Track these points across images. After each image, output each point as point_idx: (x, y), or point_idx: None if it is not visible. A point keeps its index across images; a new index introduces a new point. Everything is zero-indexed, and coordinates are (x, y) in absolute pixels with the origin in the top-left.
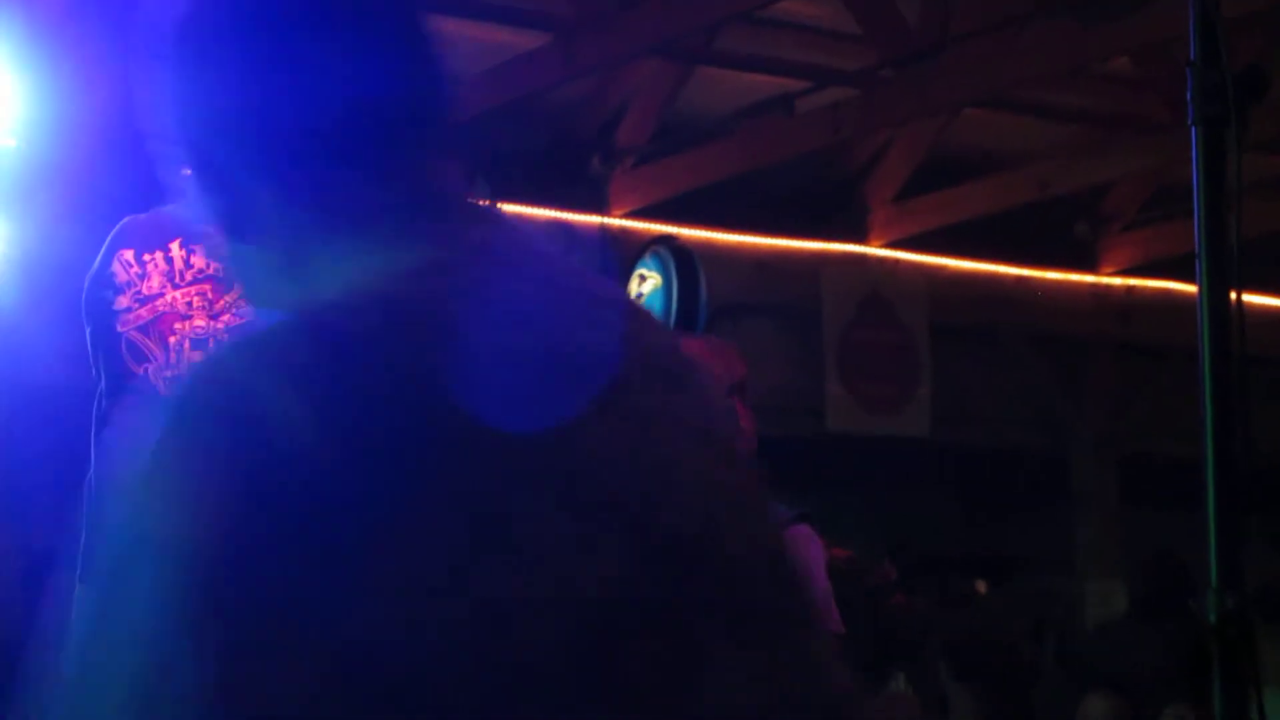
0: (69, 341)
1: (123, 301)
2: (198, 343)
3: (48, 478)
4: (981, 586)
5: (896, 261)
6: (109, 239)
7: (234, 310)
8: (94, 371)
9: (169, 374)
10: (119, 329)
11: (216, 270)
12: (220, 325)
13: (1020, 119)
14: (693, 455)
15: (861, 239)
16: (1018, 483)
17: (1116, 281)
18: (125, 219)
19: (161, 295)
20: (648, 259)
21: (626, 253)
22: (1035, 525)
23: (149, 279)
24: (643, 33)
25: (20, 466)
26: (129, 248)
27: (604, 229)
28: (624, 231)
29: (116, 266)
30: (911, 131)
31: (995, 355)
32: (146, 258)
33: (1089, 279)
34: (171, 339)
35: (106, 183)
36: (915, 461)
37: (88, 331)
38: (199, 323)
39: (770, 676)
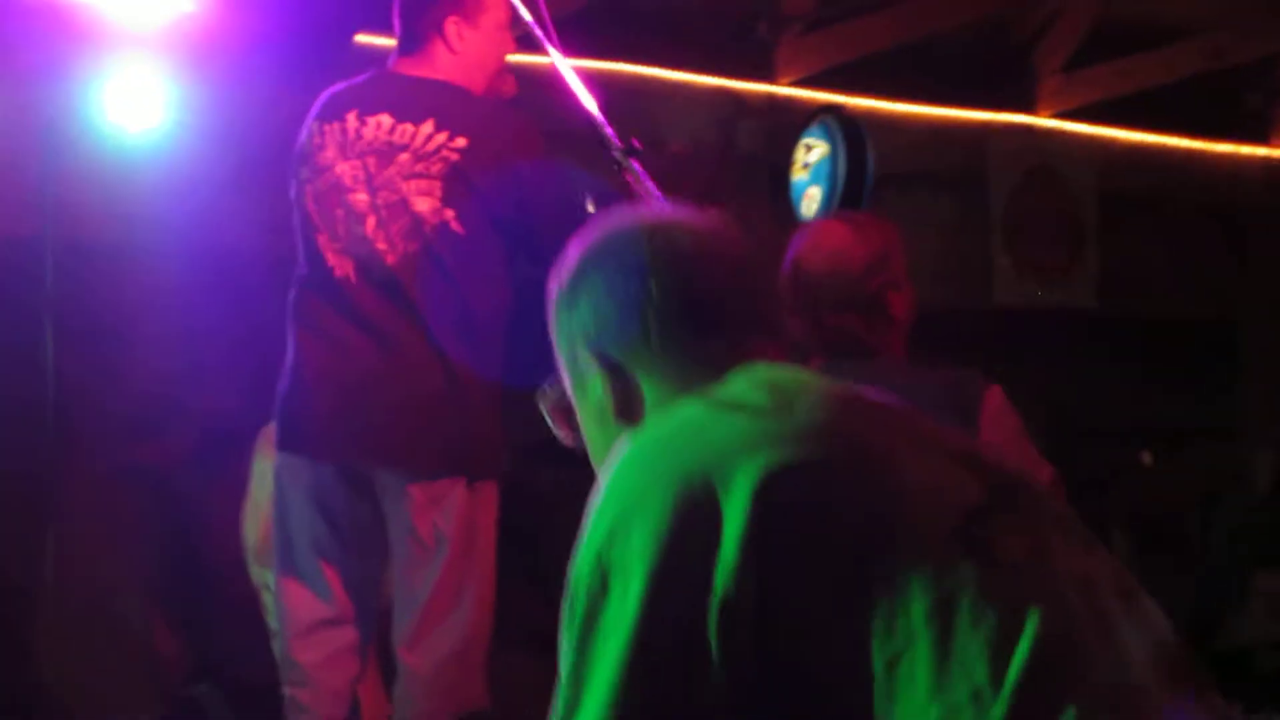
0: (238, 207)
1: (305, 172)
2: (357, 217)
3: (227, 340)
4: (1147, 458)
5: (1064, 132)
6: (310, 114)
7: (391, 186)
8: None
9: (336, 246)
10: (299, 196)
11: (383, 144)
12: (379, 200)
13: None
14: None
15: (1029, 109)
16: (1187, 353)
17: None
18: (331, 90)
19: (332, 166)
20: (815, 128)
21: (794, 121)
22: (1205, 396)
23: (325, 149)
24: None
25: (202, 329)
26: (317, 119)
27: (771, 97)
28: (791, 100)
29: (305, 137)
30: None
31: (1164, 226)
32: (327, 128)
33: (1261, 151)
34: (339, 211)
35: (280, 50)
36: (1083, 332)
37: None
38: (360, 196)
39: None
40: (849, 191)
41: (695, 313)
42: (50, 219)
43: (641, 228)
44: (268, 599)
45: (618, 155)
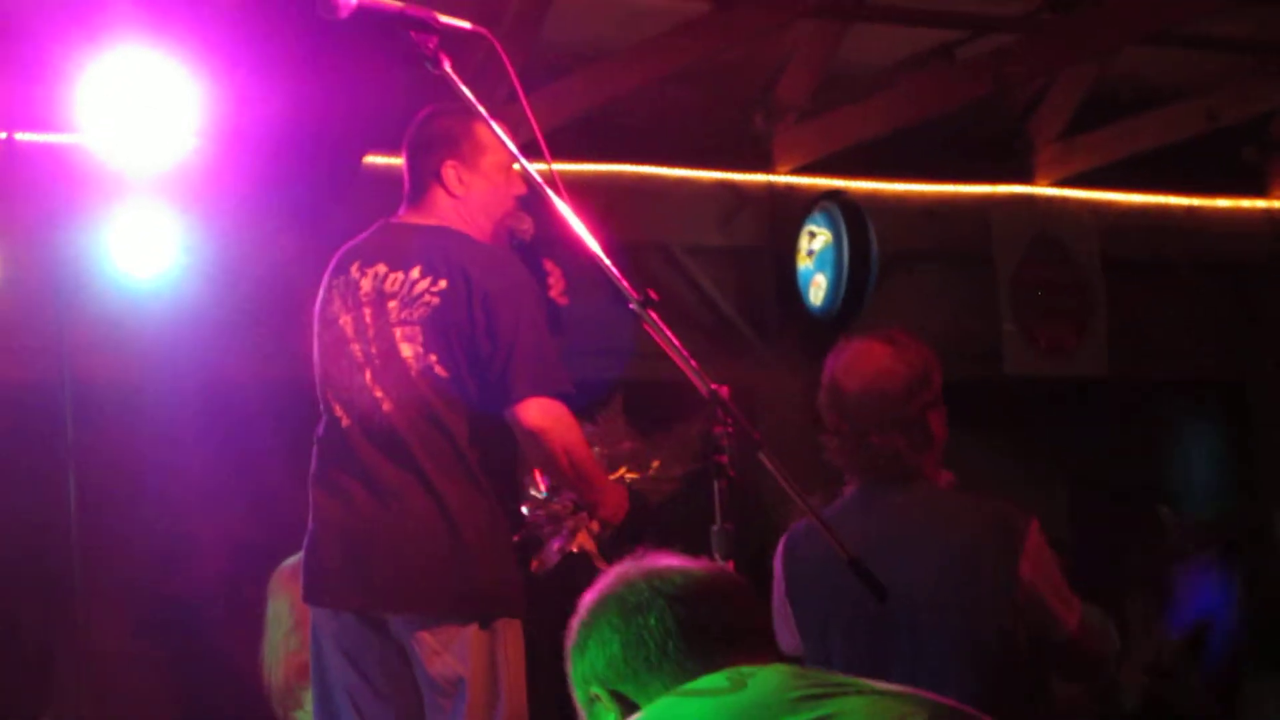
0: (244, 342)
1: (319, 328)
2: (357, 368)
3: (232, 470)
4: (1165, 511)
5: (1065, 199)
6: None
7: (383, 335)
8: None
9: (342, 398)
10: (318, 354)
11: (376, 293)
12: (374, 350)
13: (1185, 51)
14: None
15: (1028, 179)
16: (1198, 413)
17: None
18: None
19: (338, 319)
20: (816, 215)
21: (794, 209)
22: (1218, 455)
23: (333, 303)
24: None
25: (211, 461)
26: (330, 274)
27: (770, 186)
28: (790, 188)
29: (321, 291)
30: (1075, 69)
31: (1169, 286)
32: (335, 282)
33: (1260, 204)
34: (343, 363)
35: (282, 187)
36: (1093, 398)
37: None
38: (357, 347)
39: None
40: (855, 276)
41: (688, 641)
42: (66, 363)
43: (642, 574)
44: None
45: (635, 308)
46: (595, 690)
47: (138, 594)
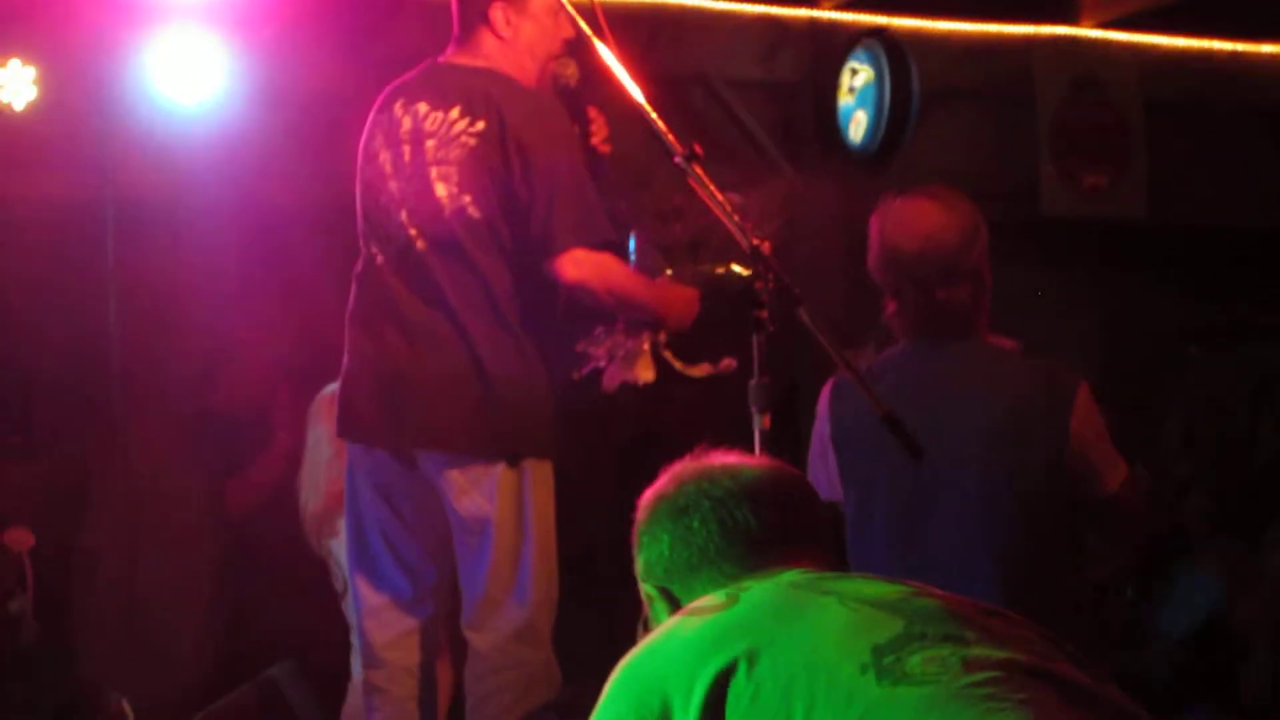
0: (285, 165)
1: (361, 162)
2: (397, 204)
3: (276, 293)
4: (1194, 350)
5: (1108, 41)
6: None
7: (419, 173)
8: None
9: (378, 234)
10: (357, 188)
11: (415, 131)
12: (410, 189)
13: None
14: None
15: (1073, 20)
16: (1237, 259)
17: None
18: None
19: (378, 156)
20: (859, 52)
21: (837, 45)
22: (1258, 302)
23: (375, 139)
24: None
25: (253, 283)
26: (375, 110)
27: (813, 22)
28: (833, 24)
29: (367, 128)
30: None
31: (1211, 131)
32: (379, 118)
33: None
34: (381, 199)
35: (328, 14)
36: (1133, 242)
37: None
38: (394, 184)
39: None
40: (895, 114)
41: (728, 542)
42: (109, 182)
43: (693, 475)
44: (335, 569)
45: (680, 162)
46: (648, 589)
47: (175, 413)
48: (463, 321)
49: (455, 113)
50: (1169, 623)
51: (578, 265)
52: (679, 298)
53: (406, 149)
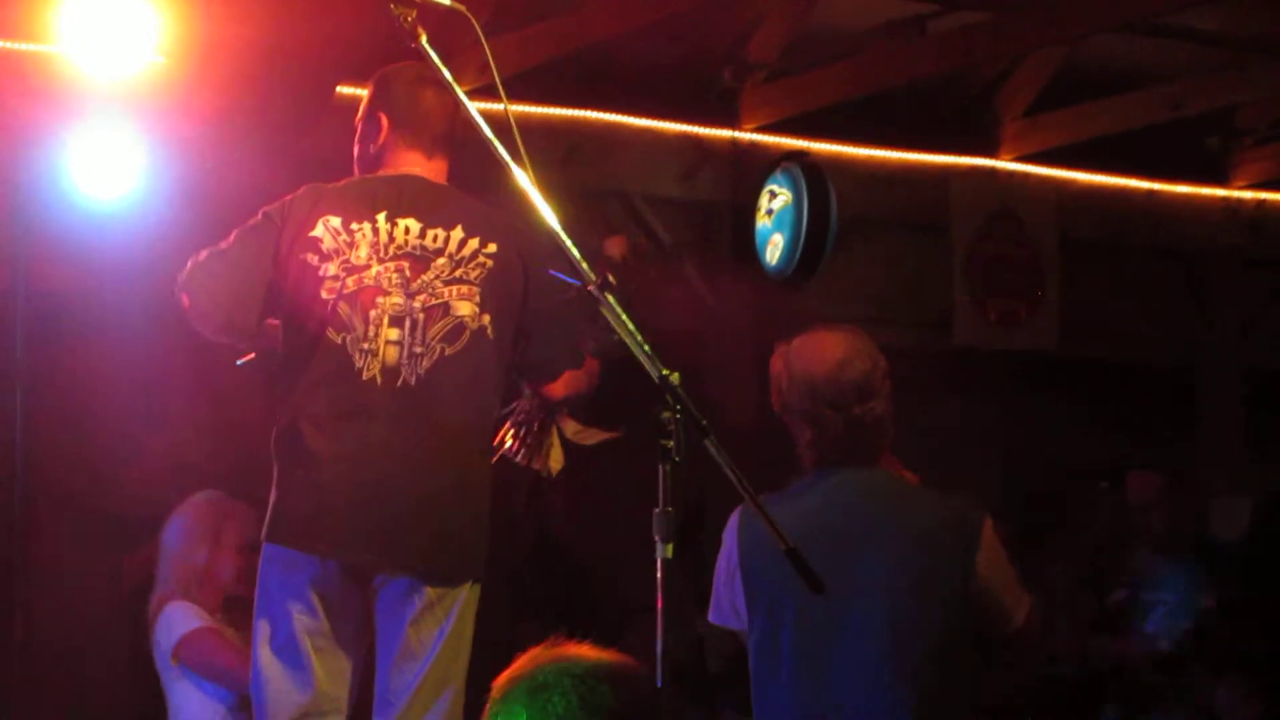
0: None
1: (329, 268)
2: (395, 320)
3: (185, 388)
4: (1105, 485)
5: (1026, 175)
6: (305, 201)
7: (429, 290)
8: (278, 319)
9: (365, 346)
10: (324, 295)
11: (415, 247)
12: (415, 304)
13: (1153, 39)
14: None
15: (992, 153)
16: (1145, 396)
17: (1247, 195)
18: (314, 185)
19: (367, 267)
20: (778, 175)
21: (757, 167)
22: (1163, 439)
23: (356, 248)
24: None
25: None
26: (335, 214)
27: (734, 143)
28: (754, 145)
29: (323, 231)
30: (1044, 50)
31: (1124, 268)
32: (354, 227)
33: (1220, 193)
34: (372, 312)
35: (252, 111)
36: (1042, 373)
37: (284, 288)
38: (396, 299)
39: None
40: (812, 238)
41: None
42: (22, 272)
43: (550, 658)
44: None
45: (594, 291)
46: None
47: (79, 508)
48: (461, 444)
49: (459, 232)
50: None
51: (565, 384)
52: (589, 371)
53: (406, 264)
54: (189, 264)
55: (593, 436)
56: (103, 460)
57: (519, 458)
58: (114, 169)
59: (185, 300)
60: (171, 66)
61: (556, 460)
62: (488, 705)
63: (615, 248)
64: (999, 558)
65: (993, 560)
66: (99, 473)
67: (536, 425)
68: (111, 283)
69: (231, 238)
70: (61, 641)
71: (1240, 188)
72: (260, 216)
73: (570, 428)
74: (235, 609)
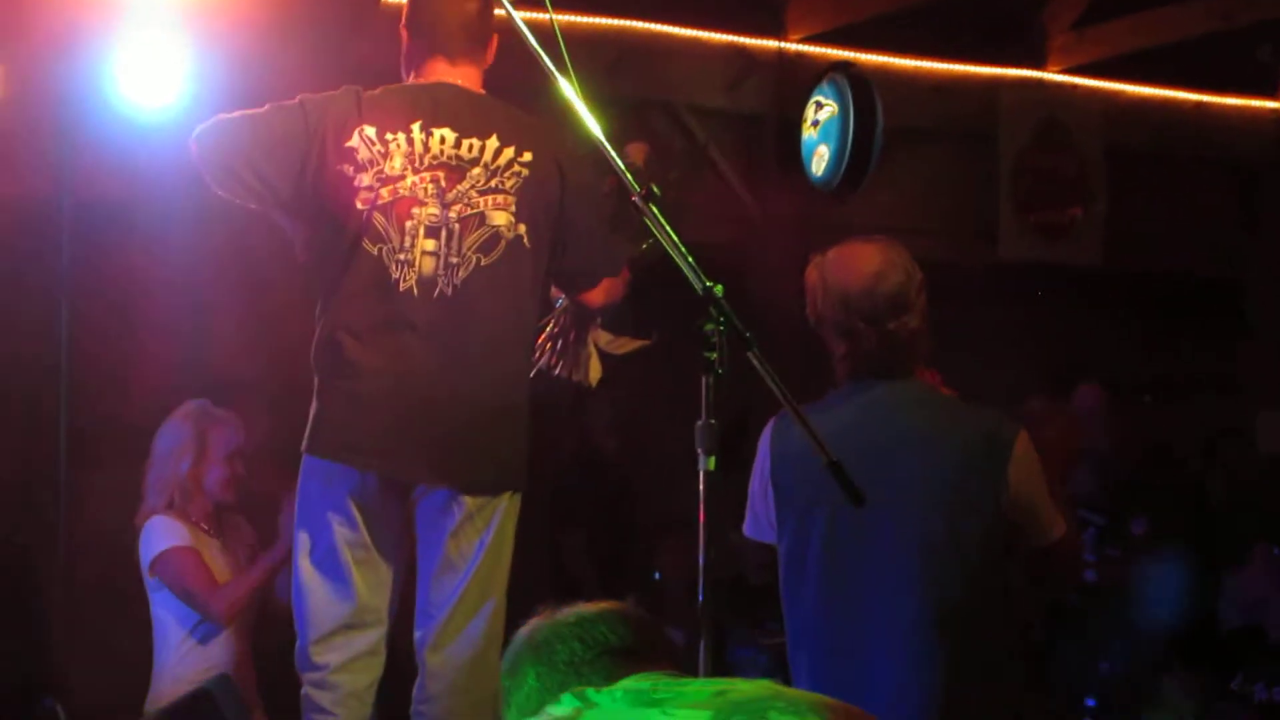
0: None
1: (364, 179)
2: (430, 230)
3: (230, 296)
4: (1148, 400)
5: (1074, 86)
6: (344, 103)
7: (465, 200)
8: (302, 230)
9: (401, 257)
10: (359, 205)
11: (450, 157)
12: (451, 214)
13: None
14: None
15: (1039, 64)
16: (1192, 308)
17: None
18: (351, 89)
19: (402, 178)
20: (825, 86)
21: (803, 78)
22: (1209, 351)
23: (391, 159)
24: None
25: (208, 286)
26: (370, 124)
27: (781, 53)
28: (800, 56)
29: (358, 141)
30: None
31: (1171, 181)
32: (389, 137)
33: (1270, 105)
34: (408, 223)
35: (301, 15)
36: (1089, 286)
37: (317, 196)
38: (432, 210)
39: None
40: (858, 150)
41: (591, 658)
42: (66, 181)
43: (545, 619)
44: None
45: (638, 201)
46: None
47: (124, 427)
48: (500, 355)
49: (495, 140)
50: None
51: (604, 292)
52: (624, 279)
53: (441, 174)
54: (212, 119)
55: (625, 345)
56: (147, 378)
57: (557, 370)
58: (159, 77)
59: (194, 148)
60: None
61: (595, 370)
62: (502, 690)
63: (636, 154)
64: (1034, 471)
65: (1028, 473)
66: (143, 391)
67: (572, 336)
68: (157, 193)
69: (264, 108)
70: (103, 563)
71: None
72: (297, 102)
73: (603, 338)
74: (225, 516)
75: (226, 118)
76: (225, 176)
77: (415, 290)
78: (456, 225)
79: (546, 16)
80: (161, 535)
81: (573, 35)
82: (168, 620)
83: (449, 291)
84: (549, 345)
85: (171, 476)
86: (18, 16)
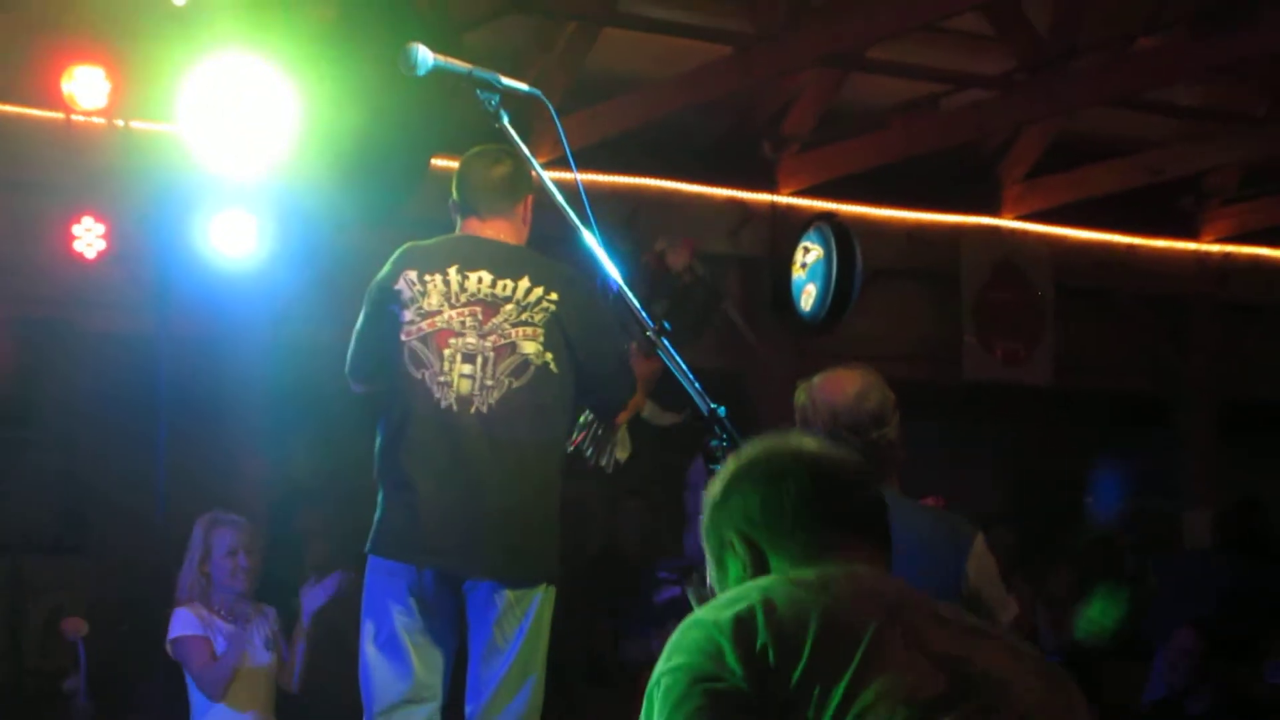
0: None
1: (407, 315)
2: (467, 357)
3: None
4: (1089, 500)
5: (1026, 232)
6: (395, 259)
7: (499, 331)
8: (361, 364)
9: (442, 379)
10: (402, 338)
11: (487, 295)
12: (487, 344)
13: (1136, 112)
14: None
15: (996, 212)
16: (1129, 424)
17: (1215, 249)
18: (407, 244)
19: (439, 312)
20: (811, 233)
21: (793, 226)
22: (1143, 462)
23: (429, 297)
24: (808, 48)
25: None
26: (413, 269)
27: (773, 205)
28: (790, 208)
29: (402, 284)
30: (1041, 122)
31: (1110, 313)
32: (428, 278)
33: (1192, 246)
34: (445, 350)
35: (359, 184)
36: (1038, 404)
37: (372, 330)
38: (470, 340)
39: None
40: (841, 287)
41: (818, 510)
42: (163, 320)
43: (786, 446)
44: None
45: (651, 335)
46: (730, 536)
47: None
48: (532, 465)
49: (526, 281)
50: None
51: (629, 410)
52: (651, 372)
53: (479, 309)
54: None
55: (665, 418)
56: (231, 486)
57: (589, 453)
58: (240, 231)
59: (352, 385)
60: (296, 146)
61: (623, 450)
62: (717, 483)
63: (679, 257)
64: (988, 565)
65: (982, 567)
66: (228, 497)
67: (599, 428)
68: (240, 330)
69: (359, 319)
70: None
71: (1210, 242)
72: (366, 297)
73: (647, 408)
74: (241, 604)
75: (351, 349)
76: (370, 386)
77: (454, 407)
78: (491, 353)
79: (572, 176)
80: (179, 624)
81: (594, 192)
82: (192, 686)
83: (485, 410)
84: (584, 434)
85: (191, 576)
86: (117, 180)
